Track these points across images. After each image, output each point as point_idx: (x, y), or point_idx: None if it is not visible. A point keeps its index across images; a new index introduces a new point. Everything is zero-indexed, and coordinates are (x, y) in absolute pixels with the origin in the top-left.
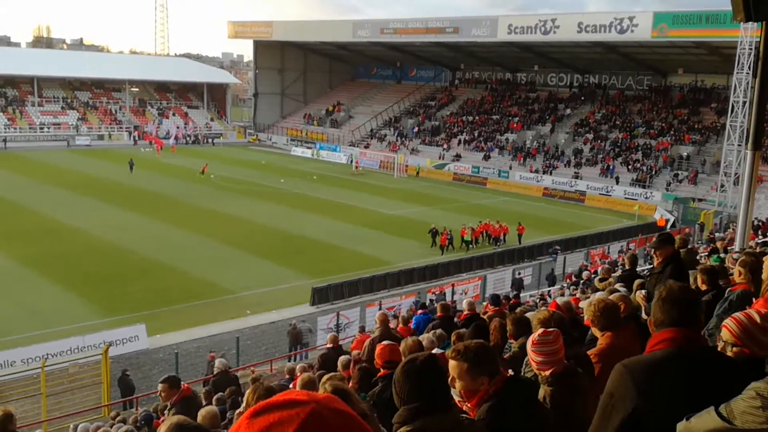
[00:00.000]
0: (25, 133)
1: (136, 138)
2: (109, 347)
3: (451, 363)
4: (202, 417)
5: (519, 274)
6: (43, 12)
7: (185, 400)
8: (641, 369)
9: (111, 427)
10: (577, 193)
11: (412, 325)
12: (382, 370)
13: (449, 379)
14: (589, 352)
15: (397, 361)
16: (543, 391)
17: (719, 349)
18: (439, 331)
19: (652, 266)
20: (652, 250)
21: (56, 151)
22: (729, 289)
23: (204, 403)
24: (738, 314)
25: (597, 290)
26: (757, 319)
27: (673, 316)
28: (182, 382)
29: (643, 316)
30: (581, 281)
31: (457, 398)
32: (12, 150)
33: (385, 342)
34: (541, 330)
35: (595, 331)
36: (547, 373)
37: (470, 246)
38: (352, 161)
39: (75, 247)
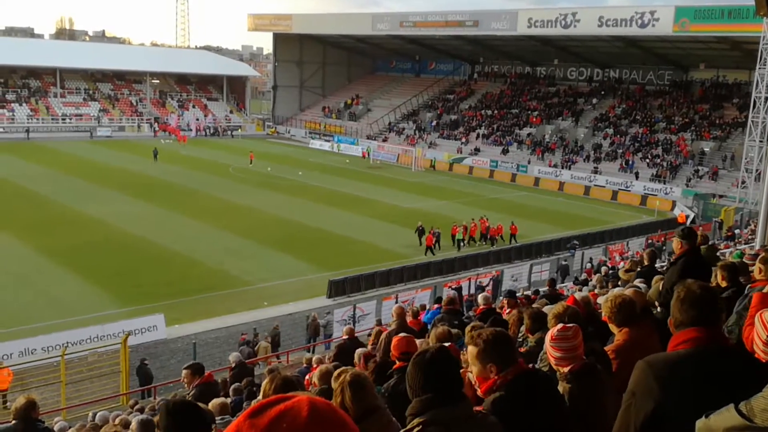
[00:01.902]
0: (48, 124)
1: (156, 129)
2: (128, 336)
3: (468, 348)
4: (212, 405)
5: (564, 261)
6: (66, 4)
7: (204, 385)
8: (664, 366)
9: (129, 415)
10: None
11: (423, 318)
12: (397, 363)
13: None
14: (606, 348)
15: (412, 353)
16: (561, 388)
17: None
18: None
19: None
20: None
21: (78, 142)
22: (749, 286)
23: (222, 392)
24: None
25: (617, 284)
26: None
27: (693, 316)
28: (206, 370)
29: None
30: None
31: (474, 385)
32: (34, 140)
33: (401, 334)
34: (560, 325)
35: (612, 327)
36: (566, 369)
37: (462, 245)
38: (370, 154)
39: (95, 238)
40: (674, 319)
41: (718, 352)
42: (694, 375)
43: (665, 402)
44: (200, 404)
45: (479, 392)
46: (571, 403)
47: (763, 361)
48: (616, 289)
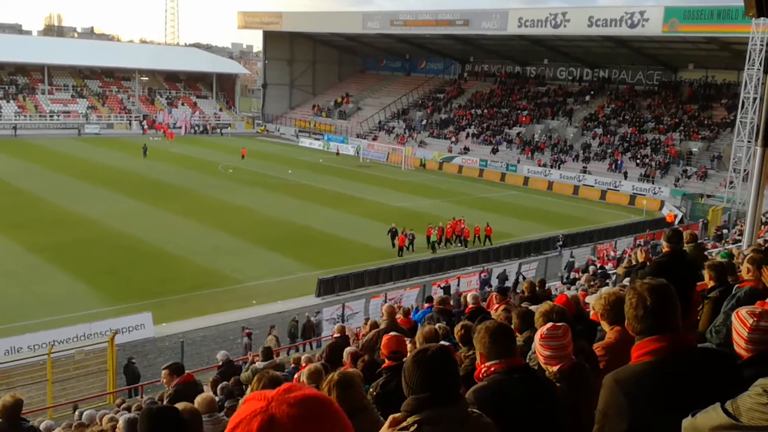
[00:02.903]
0: (35, 121)
1: (145, 127)
2: (115, 335)
3: None
4: (199, 402)
5: (572, 257)
6: (55, 0)
7: (182, 385)
8: (632, 383)
9: (116, 414)
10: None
11: (412, 316)
12: (387, 361)
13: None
14: (595, 346)
15: (402, 353)
16: None
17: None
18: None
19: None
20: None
21: (66, 139)
22: (737, 285)
23: (205, 391)
24: (743, 312)
25: (605, 283)
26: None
27: (651, 323)
28: (186, 371)
29: None
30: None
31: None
32: (22, 137)
33: (392, 333)
34: (550, 324)
35: (604, 325)
36: (555, 368)
37: (436, 247)
38: (359, 152)
39: (83, 235)
40: (631, 326)
41: (684, 358)
42: (663, 386)
43: (638, 419)
44: (187, 404)
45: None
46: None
47: (744, 357)
48: (605, 288)
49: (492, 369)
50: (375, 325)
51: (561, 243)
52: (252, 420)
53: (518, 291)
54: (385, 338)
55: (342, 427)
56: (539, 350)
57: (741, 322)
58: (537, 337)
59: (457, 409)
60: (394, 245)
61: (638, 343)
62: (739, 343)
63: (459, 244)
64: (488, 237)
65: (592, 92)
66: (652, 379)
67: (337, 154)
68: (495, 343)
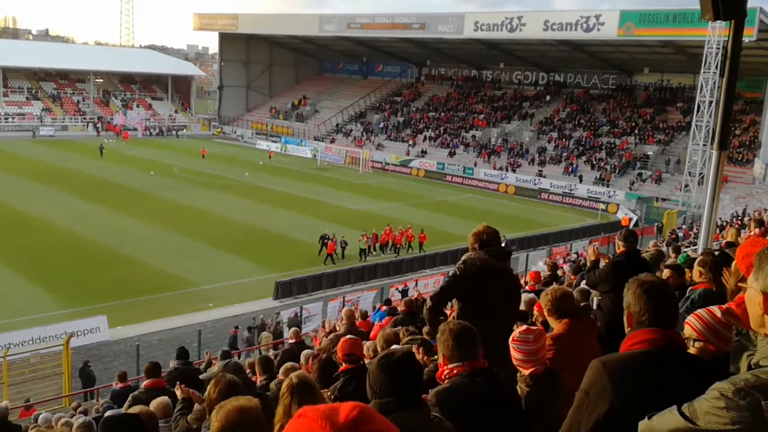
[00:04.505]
0: None
1: (99, 129)
2: (71, 338)
3: None
4: (155, 407)
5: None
6: (9, 2)
7: (150, 390)
8: (619, 366)
9: (71, 417)
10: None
11: (371, 319)
12: (344, 365)
13: None
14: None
15: (357, 355)
16: (520, 390)
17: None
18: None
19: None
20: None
21: (20, 142)
22: (690, 288)
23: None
24: (700, 311)
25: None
26: (719, 314)
27: (654, 315)
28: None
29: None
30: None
31: None
32: None
33: (348, 336)
34: (523, 327)
35: (551, 320)
36: (527, 372)
37: (365, 255)
38: (315, 155)
39: (39, 238)
40: (635, 316)
41: (674, 355)
42: (650, 378)
43: (619, 403)
44: (143, 407)
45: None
46: (527, 406)
47: (708, 356)
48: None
49: (454, 371)
50: (333, 329)
51: (506, 239)
52: None
53: None
54: (341, 341)
55: None
56: (512, 352)
57: (710, 314)
58: (510, 338)
59: (419, 415)
60: (320, 252)
61: (634, 332)
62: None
63: (392, 252)
64: (421, 245)
65: (547, 96)
66: (639, 366)
67: (270, 156)
68: (458, 345)
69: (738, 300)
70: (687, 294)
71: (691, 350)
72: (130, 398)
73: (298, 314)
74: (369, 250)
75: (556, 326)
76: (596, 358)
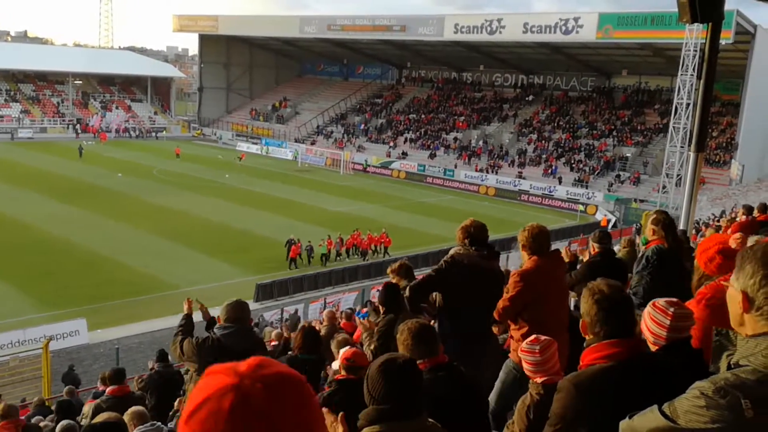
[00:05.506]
0: None
1: (79, 131)
2: (50, 341)
3: None
4: (128, 415)
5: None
6: None
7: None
8: (591, 387)
9: (51, 421)
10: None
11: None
12: (341, 372)
13: None
14: (512, 272)
15: (360, 365)
16: (529, 397)
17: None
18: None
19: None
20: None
21: None
22: (644, 246)
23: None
24: (651, 311)
25: None
26: (671, 311)
27: (609, 327)
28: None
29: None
30: None
31: None
32: None
33: (351, 348)
34: (532, 338)
35: (524, 254)
36: (539, 380)
37: (326, 260)
38: (295, 157)
39: (17, 240)
40: (589, 327)
41: (641, 364)
42: (621, 390)
43: (596, 422)
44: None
45: None
46: (536, 412)
47: (658, 347)
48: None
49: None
50: (312, 328)
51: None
52: (222, 398)
53: None
54: (347, 351)
55: (316, 411)
56: (522, 362)
57: (661, 312)
58: (519, 349)
59: (417, 424)
60: (287, 257)
61: (594, 345)
62: (658, 333)
63: (358, 256)
64: (386, 249)
65: (527, 98)
66: (610, 384)
67: (240, 159)
68: (418, 343)
69: (698, 296)
70: (640, 253)
71: (652, 347)
72: (92, 406)
73: (298, 312)
74: (329, 254)
75: (526, 262)
76: (565, 379)
